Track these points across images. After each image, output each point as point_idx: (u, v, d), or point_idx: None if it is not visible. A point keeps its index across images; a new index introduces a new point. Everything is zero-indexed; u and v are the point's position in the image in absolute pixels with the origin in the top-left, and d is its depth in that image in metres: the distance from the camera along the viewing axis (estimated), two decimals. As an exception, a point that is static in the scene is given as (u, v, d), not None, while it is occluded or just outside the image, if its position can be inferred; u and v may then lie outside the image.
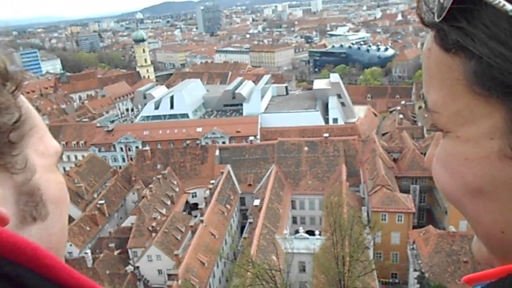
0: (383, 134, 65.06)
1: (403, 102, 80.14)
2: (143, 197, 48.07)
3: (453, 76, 0.54)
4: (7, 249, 0.57)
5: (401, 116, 69.07)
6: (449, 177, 0.61)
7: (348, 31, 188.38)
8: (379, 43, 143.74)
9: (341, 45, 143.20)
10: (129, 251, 42.68)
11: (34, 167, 0.72)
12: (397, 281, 43.34)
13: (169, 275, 36.02)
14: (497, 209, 0.55)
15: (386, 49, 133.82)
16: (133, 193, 53.29)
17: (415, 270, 36.49)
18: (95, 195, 54.23)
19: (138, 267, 39.84)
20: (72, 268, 0.66)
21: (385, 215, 42.66)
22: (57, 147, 0.81)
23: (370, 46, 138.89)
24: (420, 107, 77.36)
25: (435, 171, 0.66)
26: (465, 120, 0.55)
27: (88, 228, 45.37)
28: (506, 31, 0.50)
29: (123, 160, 69.53)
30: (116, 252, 42.56)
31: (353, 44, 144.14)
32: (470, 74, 0.52)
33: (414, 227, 43.33)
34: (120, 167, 63.84)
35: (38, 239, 0.70)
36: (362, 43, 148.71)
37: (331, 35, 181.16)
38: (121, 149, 70.52)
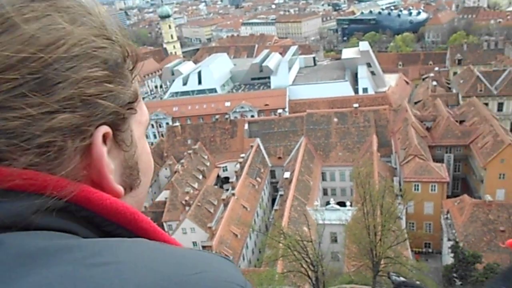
0: (416, 103, 63.15)
1: (436, 68, 77.12)
2: (175, 172, 49.22)
3: None
4: (110, 213, 0.66)
5: (434, 83, 66.62)
6: None
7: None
8: (410, 7, 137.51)
9: (371, 11, 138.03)
10: (164, 224, 44.14)
11: (136, 140, 0.75)
12: (430, 250, 43.03)
13: (203, 246, 37.12)
14: None
15: (419, 13, 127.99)
16: (166, 169, 54.62)
17: (449, 239, 36.06)
18: (130, 171, 55.91)
19: (173, 240, 41.21)
20: (164, 231, 0.74)
21: (417, 185, 41.99)
22: (147, 114, 0.81)
23: (401, 10, 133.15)
24: (455, 73, 74.26)
25: None
26: None
27: (124, 203, 47.05)
28: None
29: (154, 136, 71.00)
30: (152, 225, 44.08)
31: (383, 9, 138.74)
32: None
33: (448, 197, 42.51)
34: (152, 144, 65.28)
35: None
36: (392, 8, 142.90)
37: (360, 1, 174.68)
38: (152, 125, 71.89)
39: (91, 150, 0.66)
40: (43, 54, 0.62)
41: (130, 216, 0.68)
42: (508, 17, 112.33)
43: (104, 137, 0.68)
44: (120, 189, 0.71)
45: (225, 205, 42.03)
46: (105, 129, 0.67)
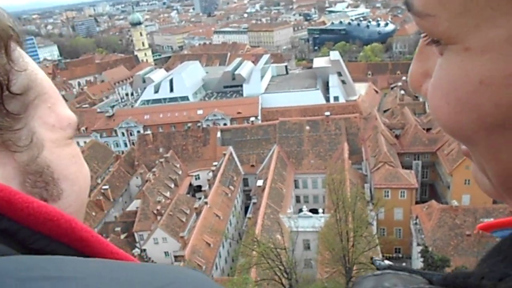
0: (385, 111, 64.76)
1: (404, 77, 79.17)
2: (146, 181, 48.34)
3: None
4: (39, 221, 0.50)
5: (402, 92, 68.60)
6: (455, 109, 0.43)
7: (347, 7, 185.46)
8: (379, 19, 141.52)
9: (341, 22, 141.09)
10: (135, 234, 43.16)
11: (42, 142, 0.60)
12: (400, 255, 43.88)
13: (175, 256, 36.52)
14: None
15: (386, 25, 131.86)
16: (137, 177, 53.58)
17: (418, 244, 36.89)
18: (99, 181, 54.55)
19: (145, 250, 40.38)
20: (110, 242, 0.58)
21: (387, 192, 42.87)
22: (71, 117, 0.68)
23: (370, 21, 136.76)
24: (421, 83, 76.64)
25: (433, 102, 0.47)
26: (478, 21, 0.36)
27: (93, 213, 45.80)
28: None
29: (125, 145, 69.63)
30: (122, 236, 43.08)
31: (352, 20, 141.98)
32: None
33: (417, 203, 43.60)
34: (123, 152, 63.98)
35: None
36: (361, 19, 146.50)
37: (330, 11, 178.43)
38: (123, 134, 70.54)
39: None
40: None
41: (66, 224, 0.51)
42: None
43: None
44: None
45: (198, 214, 41.53)
46: None
